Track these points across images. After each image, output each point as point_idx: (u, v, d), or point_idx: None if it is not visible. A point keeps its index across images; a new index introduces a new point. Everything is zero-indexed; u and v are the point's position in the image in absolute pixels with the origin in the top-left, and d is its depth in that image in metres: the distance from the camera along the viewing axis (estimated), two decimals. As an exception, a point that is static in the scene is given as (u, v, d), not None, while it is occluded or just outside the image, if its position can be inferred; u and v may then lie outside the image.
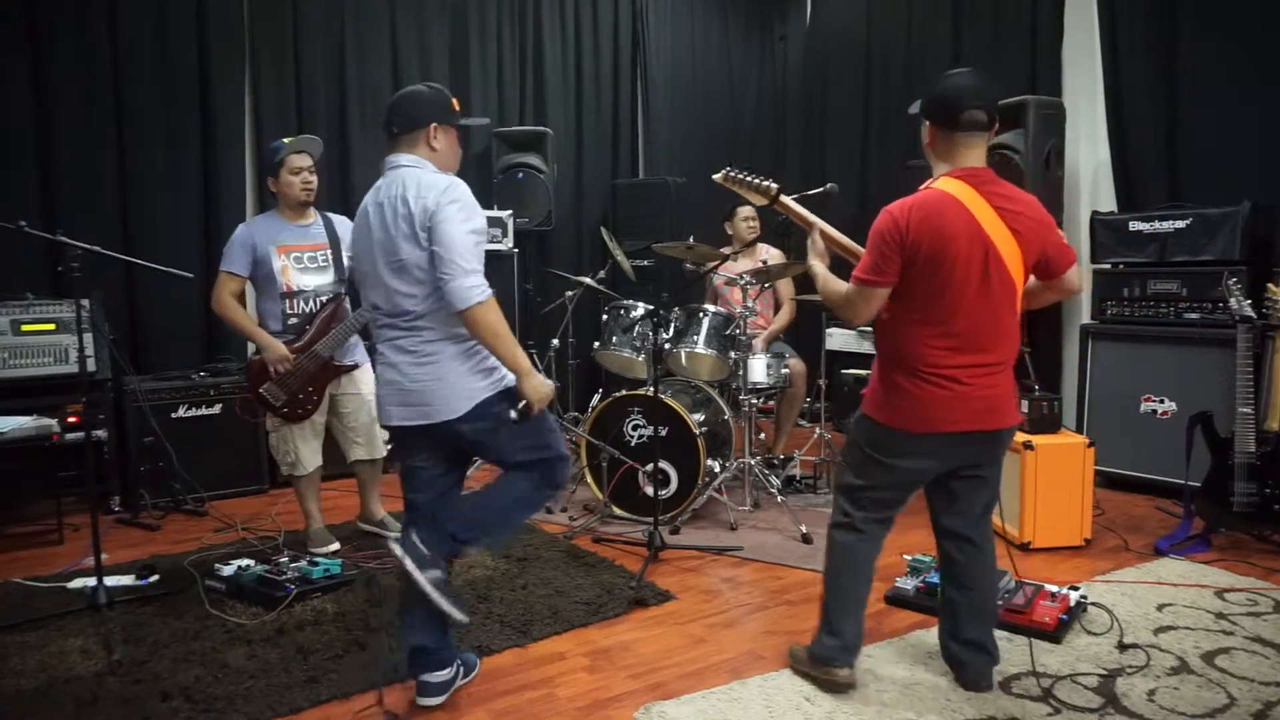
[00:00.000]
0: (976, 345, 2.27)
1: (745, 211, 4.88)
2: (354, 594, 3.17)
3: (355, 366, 3.61)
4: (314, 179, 3.53)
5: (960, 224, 2.20)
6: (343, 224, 3.64)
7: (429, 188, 2.29)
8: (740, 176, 2.66)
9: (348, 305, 3.57)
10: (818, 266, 2.50)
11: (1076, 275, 2.38)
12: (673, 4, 6.70)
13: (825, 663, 2.48)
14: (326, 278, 3.56)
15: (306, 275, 3.52)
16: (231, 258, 3.46)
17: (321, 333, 3.47)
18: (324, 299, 3.53)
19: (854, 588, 2.50)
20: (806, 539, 3.77)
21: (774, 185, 2.63)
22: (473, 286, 2.23)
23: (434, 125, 2.40)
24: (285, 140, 3.53)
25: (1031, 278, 2.38)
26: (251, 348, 3.70)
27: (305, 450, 3.57)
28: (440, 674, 2.41)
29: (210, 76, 4.78)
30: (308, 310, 3.51)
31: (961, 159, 2.28)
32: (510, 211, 5.41)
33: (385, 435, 3.83)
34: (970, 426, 2.31)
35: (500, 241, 5.30)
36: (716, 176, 2.75)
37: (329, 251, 3.57)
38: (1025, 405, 3.74)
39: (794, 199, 2.68)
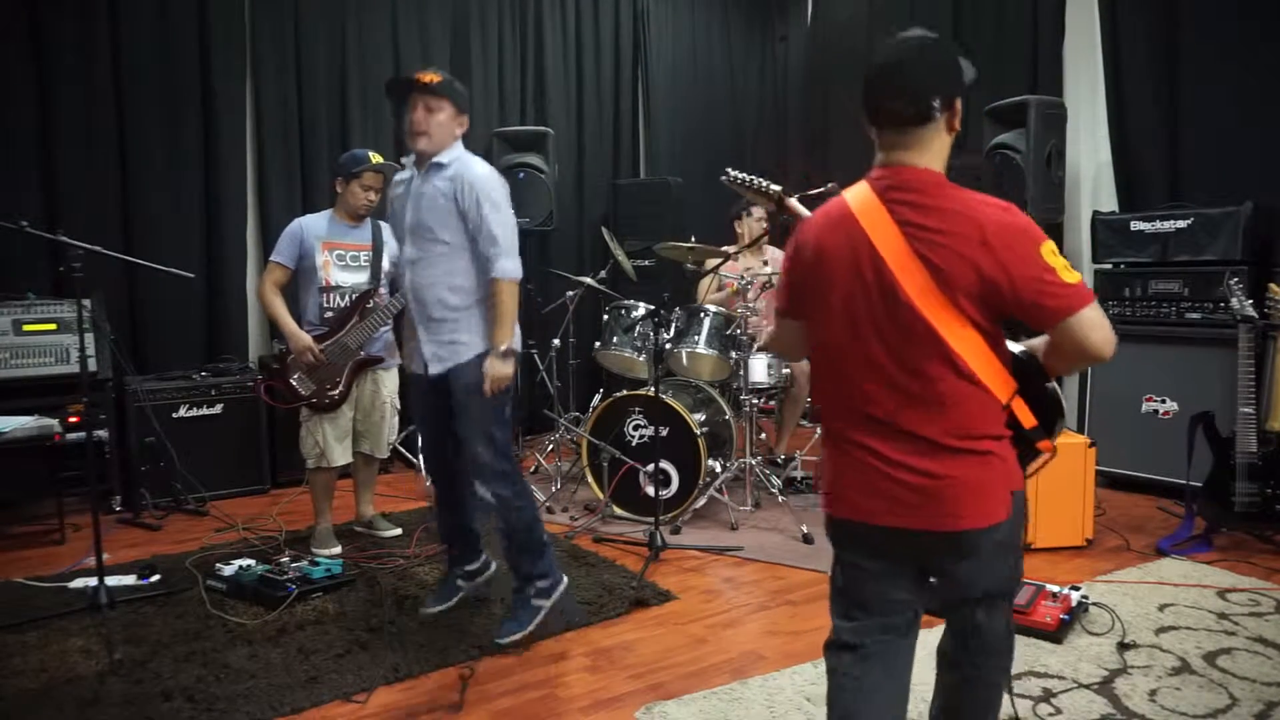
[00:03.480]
0: (893, 411, 1.62)
1: (760, 211, 4.86)
2: (355, 594, 3.17)
3: (381, 360, 3.69)
4: (377, 199, 3.68)
5: (844, 242, 1.64)
6: (389, 232, 3.76)
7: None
8: (744, 180, 2.48)
9: (381, 300, 3.65)
10: None
11: (1089, 331, 1.54)
12: (673, 4, 6.70)
13: None
14: (363, 277, 3.67)
15: (346, 273, 3.65)
16: (280, 248, 3.62)
17: (351, 325, 3.56)
18: (356, 295, 3.62)
19: None
20: (808, 539, 3.77)
21: (777, 187, 2.41)
22: None
23: None
24: (371, 155, 3.62)
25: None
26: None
27: (332, 444, 3.61)
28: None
29: (211, 76, 4.78)
30: (342, 305, 3.62)
31: (892, 157, 1.68)
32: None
33: (392, 438, 3.86)
34: (888, 520, 1.65)
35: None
36: (722, 179, 2.62)
37: (370, 254, 3.69)
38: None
39: (796, 199, 2.63)
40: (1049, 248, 1.56)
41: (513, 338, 2.76)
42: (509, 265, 2.73)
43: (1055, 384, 1.74)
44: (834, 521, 1.79)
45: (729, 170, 2.58)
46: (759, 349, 4.26)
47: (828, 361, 1.74)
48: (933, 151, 1.64)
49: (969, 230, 1.54)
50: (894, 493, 1.64)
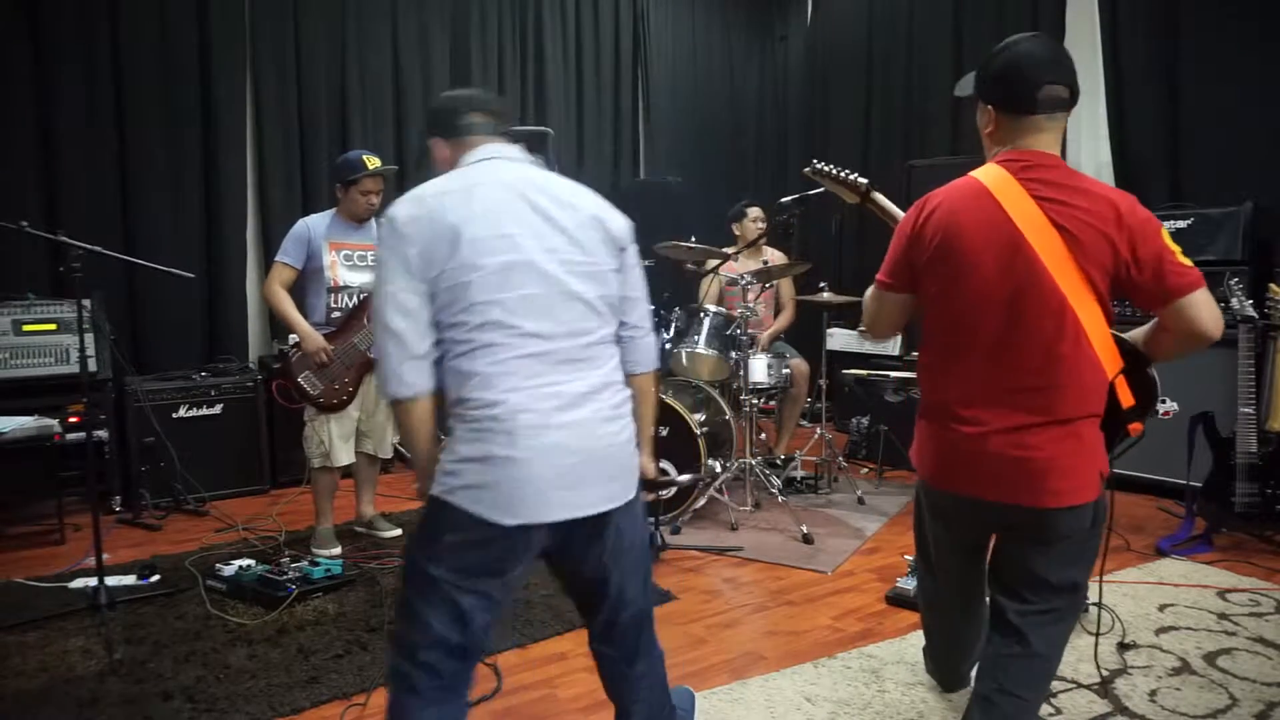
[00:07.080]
0: (1006, 381, 1.72)
1: (755, 212, 4.93)
2: (355, 594, 3.17)
3: None
4: (379, 201, 3.66)
5: (980, 215, 1.72)
6: None
7: (606, 205, 1.82)
8: (830, 171, 2.51)
9: None
10: None
11: (1203, 311, 1.68)
12: (673, 4, 6.71)
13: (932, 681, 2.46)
14: (370, 277, 3.67)
15: (354, 273, 3.64)
16: (286, 249, 3.59)
17: (359, 325, 3.56)
18: (364, 295, 3.62)
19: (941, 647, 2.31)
20: (808, 539, 3.76)
21: (863, 180, 2.41)
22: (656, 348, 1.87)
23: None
24: (366, 159, 3.58)
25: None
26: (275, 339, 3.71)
27: (338, 444, 3.61)
28: None
29: (211, 77, 4.78)
30: (349, 305, 3.62)
31: (1022, 142, 1.76)
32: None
33: (395, 438, 3.86)
34: (989, 494, 1.76)
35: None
36: (805, 170, 2.61)
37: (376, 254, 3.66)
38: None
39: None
40: (1167, 233, 1.70)
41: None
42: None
43: (1154, 371, 1.88)
44: (926, 489, 1.94)
45: (815, 162, 2.55)
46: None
47: (946, 335, 1.81)
48: (1057, 136, 1.76)
49: (1106, 210, 1.67)
50: (993, 467, 1.73)
